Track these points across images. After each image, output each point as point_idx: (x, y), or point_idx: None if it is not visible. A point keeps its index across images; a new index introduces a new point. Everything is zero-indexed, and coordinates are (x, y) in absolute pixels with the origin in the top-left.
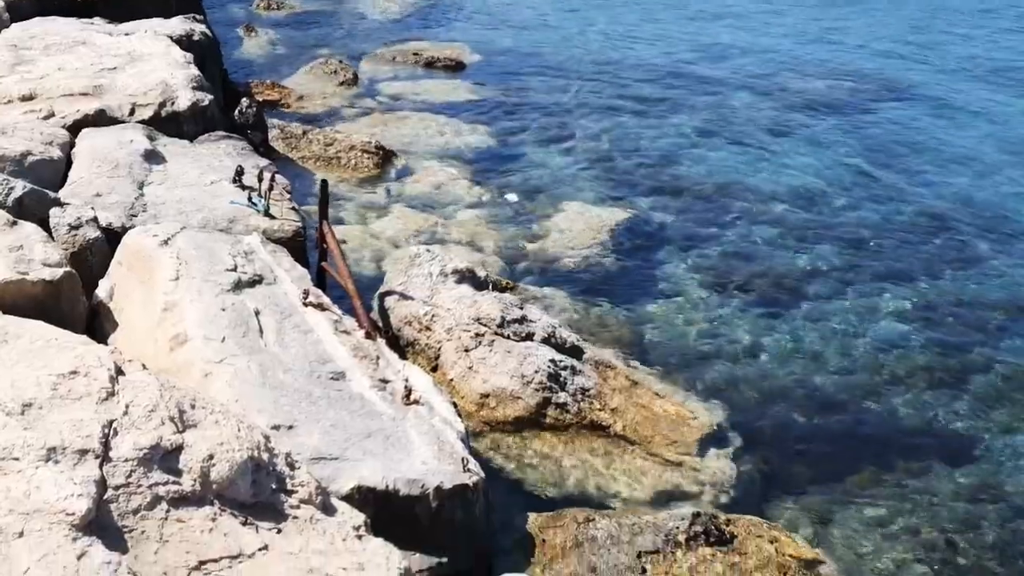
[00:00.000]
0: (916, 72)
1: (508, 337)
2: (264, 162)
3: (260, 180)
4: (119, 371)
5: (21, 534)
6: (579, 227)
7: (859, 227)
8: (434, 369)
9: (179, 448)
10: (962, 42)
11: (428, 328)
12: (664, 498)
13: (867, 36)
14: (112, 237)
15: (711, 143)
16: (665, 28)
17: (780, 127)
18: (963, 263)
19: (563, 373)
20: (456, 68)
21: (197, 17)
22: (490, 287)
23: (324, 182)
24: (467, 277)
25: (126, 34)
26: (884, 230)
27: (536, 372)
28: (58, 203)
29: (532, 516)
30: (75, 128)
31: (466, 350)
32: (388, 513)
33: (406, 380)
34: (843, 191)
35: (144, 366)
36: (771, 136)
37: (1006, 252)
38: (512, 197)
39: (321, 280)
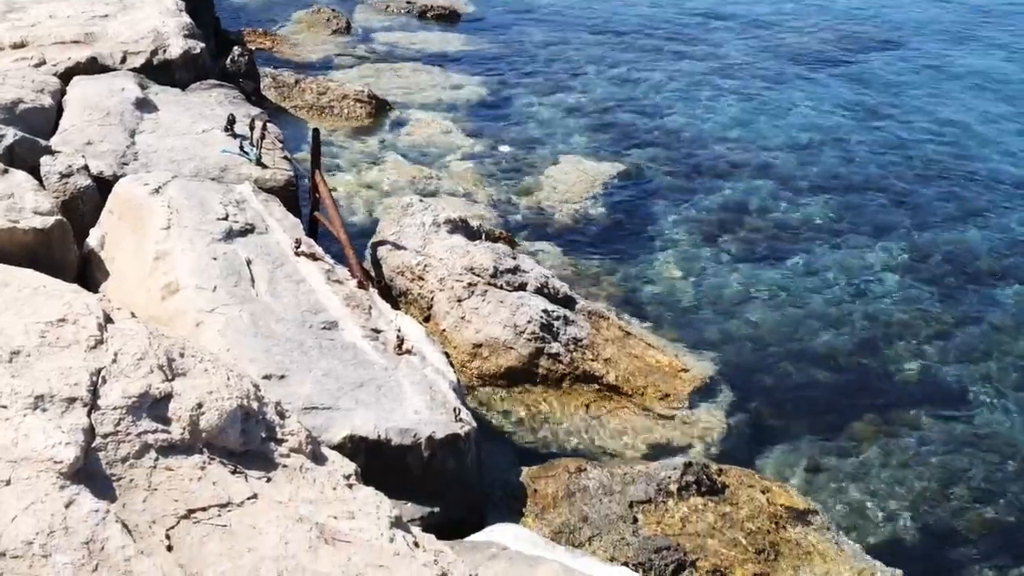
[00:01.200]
0: (912, 26)
1: (501, 287)
2: (256, 111)
3: (252, 129)
4: (108, 319)
5: (8, 482)
6: (573, 180)
7: (852, 179)
8: (427, 319)
9: (168, 396)
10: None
11: (421, 278)
12: (656, 449)
13: None
14: (103, 186)
15: (706, 97)
16: None
17: (776, 80)
18: (956, 215)
19: (556, 323)
20: (451, 18)
21: None
22: (483, 237)
23: (316, 131)
24: (460, 227)
25: None
26: (877, 182)
27: (529, 322)
28: (49, 151)
29: (524, 467)
30: (66, 76)
31: (459, 300)
32: (380, 463)
33: (398, 330)
34: (837, 143)
35: (133, 314)
36: (767, 89)
37: (998, 203)
38: (506, 149)
39: (313, 230)
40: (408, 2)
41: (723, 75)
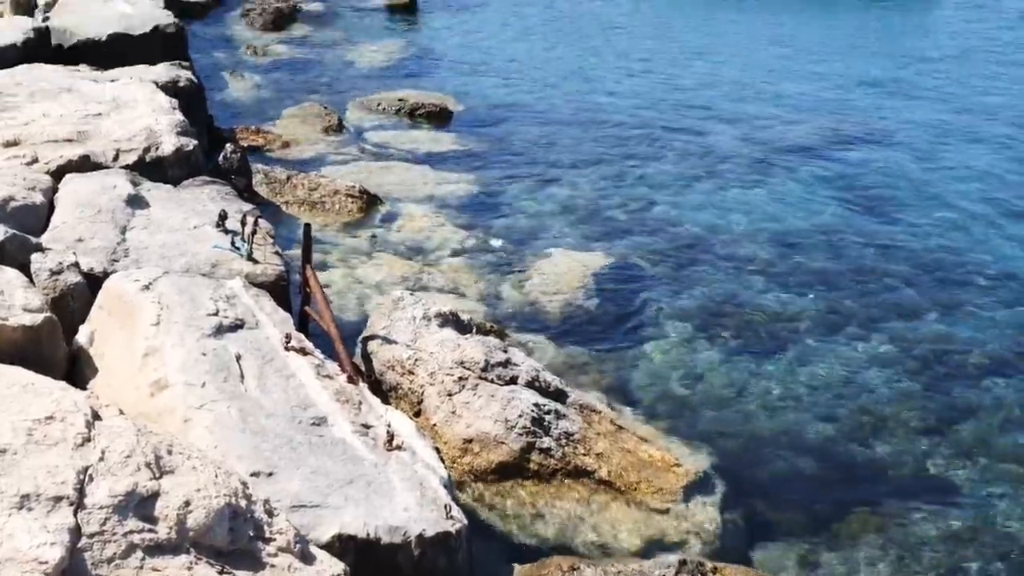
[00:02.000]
0: (901, 115)
1: (492, 381)
2: (248, 206)
3: (243, 224)
4: (96, 416)
5: None
6: (563, 272)
7: (843, 271)
8: (417, 414)
9: (155, 495)
10: (949, 85)
11: (411, 372)
12: (650, 546)
13: (851, 76)
14: (94, 282)
15: (694, 186)
16: (648, 74)
17: (766, 173)
18: (948, 308)
19: (547, 417)
20: (441, 116)
21: (183, 63)
22: (474, 330)
23: (307, 226)
24: (450, 321)
25: (112, 81)
26: (868, 274)
27: (520, 416)
28: (40, 248)
29: (516, 564)
30: (59, 173)
31: (449, 394)
32: (369, 562)
33: (388, 425)
34: (826, 234)
35: (121, 411)
36: (754, 178)
37: (990, 297)
38: (496, 243)
39: (304, 324)
40: (399, 100)
41: (713, 168)
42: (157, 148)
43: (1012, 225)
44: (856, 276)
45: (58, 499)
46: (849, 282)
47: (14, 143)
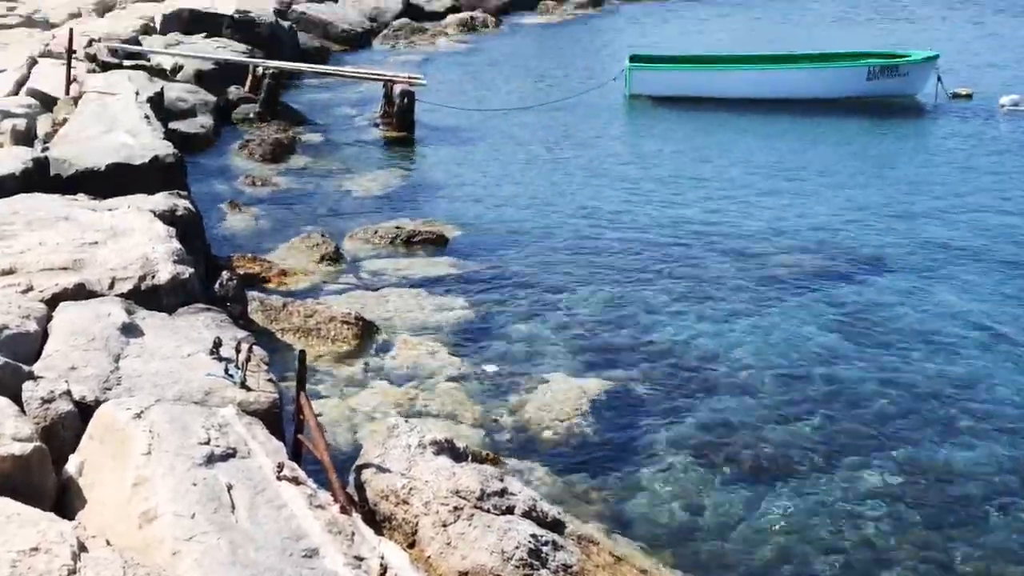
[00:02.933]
0: (897, 241)
1: (488, 510)
2: (242, 334)
3: (237, 351)
4: (82, 548)
5: None
6: (560, 398)
7: (842, 399)
8: (411, 545)
9: None
10: (945, 211)
11: (405, 502)
12: None
13: (846, 203)
14: (86, 411)
15: (691, 312)
16: (644, 200)
17: (760, 295)
18: (947, 437)
19: (544, 548)
20: (438, 243)
21: (181, 193)
22: (469, 458)
23: (302, 353)
24: (446, 448)
25: (109, 210)
26: (867, 402)
27: (517, 548)
28: (32, 376)
29: None
30: (53, 302)
31: (444, 525)
32: None
33: (381, 557)
34: (824, 362)
35: (109, 543)
36: (751, 305)
37: (989, 425)
38: (492, 369)
39: (297, 453)
40: (396, 228)
41: (711, 294)
42: (153, 276)
43: (1011, 351)
44: (855, 405)
45: None
46: (848, 411)
47: (10, 271)
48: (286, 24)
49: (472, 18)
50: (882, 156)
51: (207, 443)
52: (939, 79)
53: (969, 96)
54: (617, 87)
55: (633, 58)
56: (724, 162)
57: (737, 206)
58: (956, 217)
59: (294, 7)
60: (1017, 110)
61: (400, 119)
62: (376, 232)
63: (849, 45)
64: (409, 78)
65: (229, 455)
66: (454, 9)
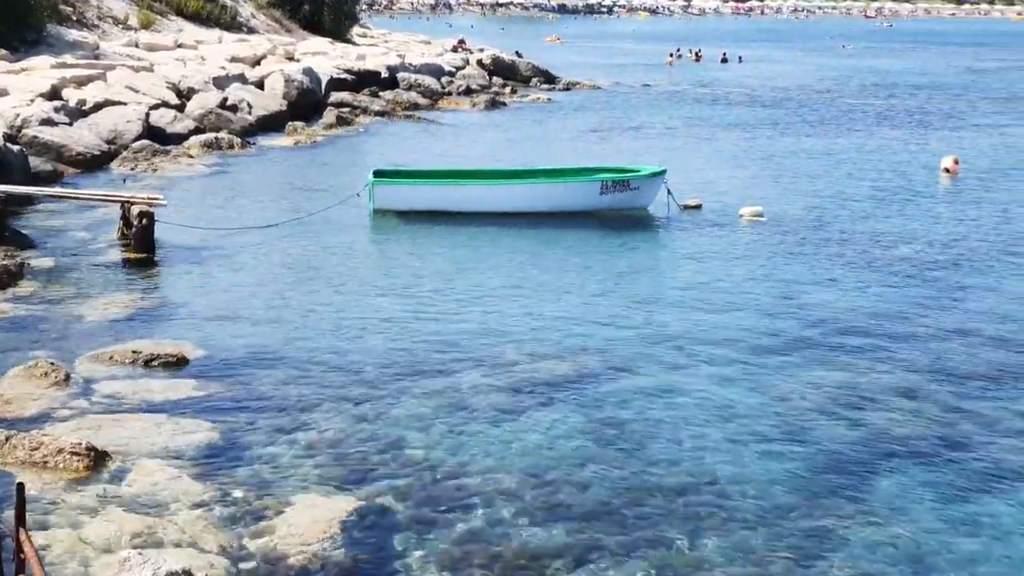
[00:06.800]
0: (638, 350)
1: None
2: None
3: None
4: None
5: None
6: (308, 521)
7: (591, 503)
8: None
9: None
10: (673, 323)
11: None
12: None
13: (588, 313)
14: None
15: (441, 424)
16: (392, 315)
17: (508, 404)
18: (697, 533)
19: None
20: (179, 364)
21: None
22: None
23: (20, 485)
24: None
25: None
26: (616, 505)
27: None
28: None
29: None
30: None
31: None
32: None
33: None
34: (572, 465)
35: None
36: (499, 413)
37: (726, 518)
38: (238, 493)
39: None
40: (133, 352)
41: (460, 404)
42: None
43: (742, 432)
44: (606, 507)
45: None
46: (599, 514)
47: None
48: (15, 148)
49: (217, 139)
50: (622, 265)
51: None
52: (669, 192)
53: (699, 207)
54: (362, 202)
55: (377, 173)
56: (469, 274)
57: (483, 316)
58: (697, 317)
59: (24, 131)
60: (756, 220)
61: (139, 240)
62: (111, 356)
63: (588, 160)
64: (148, 198)
65: None
66: (198, 131)
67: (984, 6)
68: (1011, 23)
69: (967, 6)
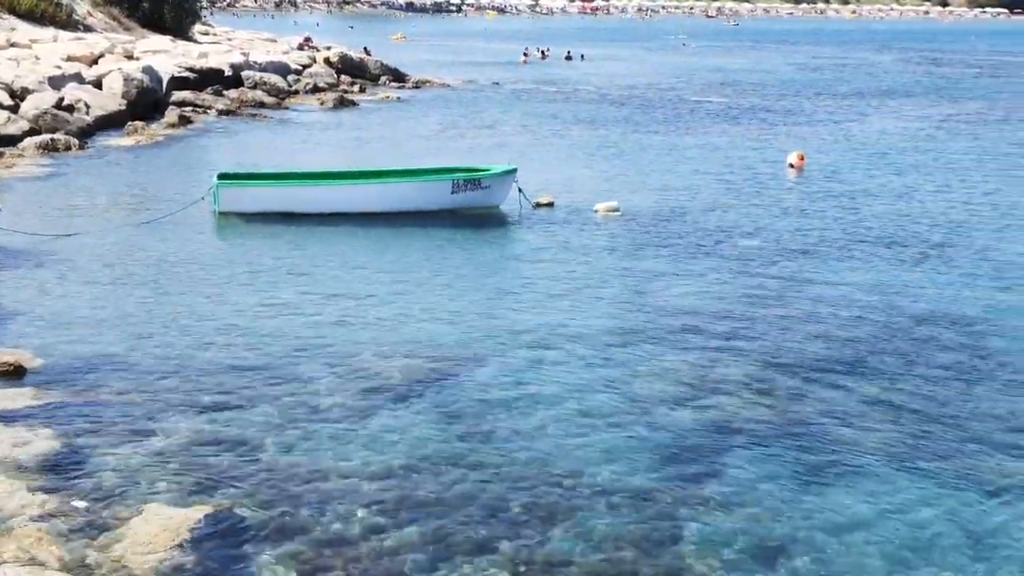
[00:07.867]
0: (494, 345)
1: None
2: None
3: None
4: None
5: None
6: (157, 530)
7: (450, 501)
8: None
9: None
10: (535, 313)
11: None
12: None
13: (441, 310)
14: None
15: (296, 428)
16: (240, 315)
17: (365, 405)
18: (554, 530)
19: None
20: (15, 373)
21: None
22: None
23: None
24: None
25: None
26: (481, 502)
27: None
28: None
29: None
30: None
31: None
32: None
33: None
34: (432, 465)
35: None
36: (356, 415)
37: (585, 514)
38: (81, 504)
39: None
40: None
41: (314, 406)
42: None
43: (602, 424)
44: (460, 503)
45: None
46: (457, 511)
47: None
48: None
49: (53, 140)
50: (474, 263)
51: None
52: (520, 190)
53: (551, 204)
54: (206, 205)
55: (221, 176)
56: (319, 276)
57: (335, 317)
58: (550, 312)
59: None
60: (611, 215)
61: None
62: None
63: (440, 160)
64: None
65: None
66: (33, 132)
67: (820, 5)
68: (846, 22)
69: (804, 5)
